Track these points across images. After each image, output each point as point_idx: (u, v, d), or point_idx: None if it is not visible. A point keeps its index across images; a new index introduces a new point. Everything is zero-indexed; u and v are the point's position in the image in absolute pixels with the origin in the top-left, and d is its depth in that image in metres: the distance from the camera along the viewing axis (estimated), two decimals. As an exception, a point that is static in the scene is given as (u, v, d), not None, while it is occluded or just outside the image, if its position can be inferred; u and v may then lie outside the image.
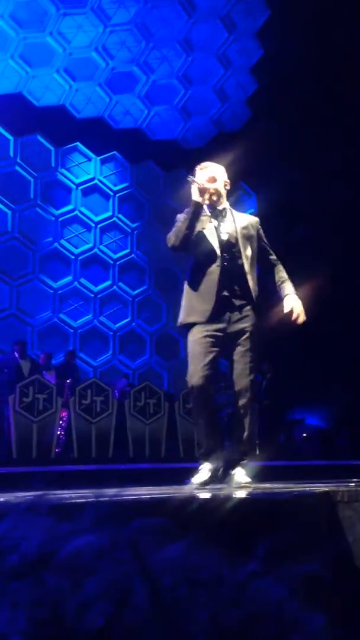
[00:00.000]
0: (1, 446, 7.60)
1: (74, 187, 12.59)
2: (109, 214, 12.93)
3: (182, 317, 3.46)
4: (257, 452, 3.07)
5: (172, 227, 3.50)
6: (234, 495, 2.44)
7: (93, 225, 12.72)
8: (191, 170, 3.66)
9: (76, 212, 12.55)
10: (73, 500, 2.17)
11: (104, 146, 12.72)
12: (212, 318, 3.34)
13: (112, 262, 12.90)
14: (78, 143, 12.70)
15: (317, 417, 11.38)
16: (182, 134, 13.35)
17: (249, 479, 3.30)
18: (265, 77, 12.39)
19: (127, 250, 13.10)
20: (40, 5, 10.66)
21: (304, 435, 10.34)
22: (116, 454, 7.78)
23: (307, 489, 2.64)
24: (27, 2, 10.55)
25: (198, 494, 2.61)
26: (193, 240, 3.42)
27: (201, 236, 3.45)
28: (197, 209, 3.43)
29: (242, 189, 14.76)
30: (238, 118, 13.21)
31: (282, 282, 3.53)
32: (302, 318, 3.41)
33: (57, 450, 7.72)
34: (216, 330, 3.35)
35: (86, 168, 12.83)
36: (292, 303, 3.43)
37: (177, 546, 1.36)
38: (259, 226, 3.60)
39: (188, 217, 3.43)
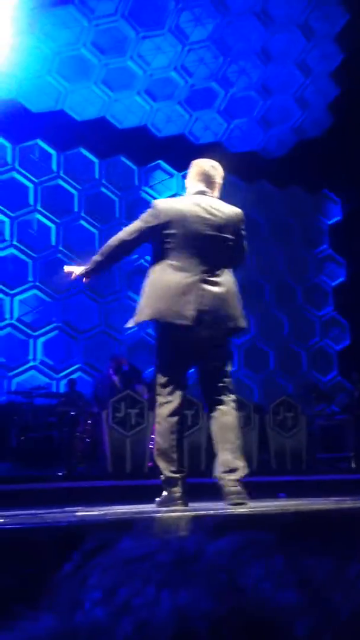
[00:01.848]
0: (97, 461, 7.81)
1: (157, 204, 12.83)
2: (193, 228, 13.05)
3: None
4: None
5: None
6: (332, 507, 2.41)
7: (177, 240, 12.89)
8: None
9: (160, 228, 12.77)
10: (192, 513, 2.24)
11: (185, 162, 12.85)
12: None
13: (197, 276, 12.99)
14: (160, 161, 12.96)
15: None
16: (263, 145, 13.31)
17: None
18: (346, 81, 12.16)
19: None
20: (120, 31, 11.02)
21: None
22: (208, 467, 7.78)
23: None
24: (108, 29, 10.94)
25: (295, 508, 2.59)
26: None
27: None
28: None
29: (326, 196, 14.49)
30: (319, 124, 13.01)
31: None
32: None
33: (149, 464, 7.83)
34: None
35: (168, 185, 13.06)
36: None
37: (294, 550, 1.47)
38: None
39: None
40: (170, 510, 2.96)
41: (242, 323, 3.37)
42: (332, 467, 8.68)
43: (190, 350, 3.32)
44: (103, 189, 12.53)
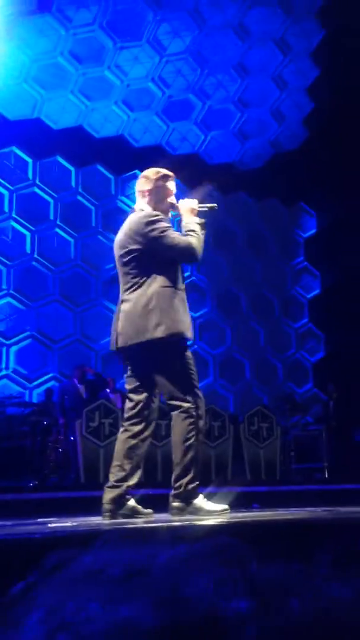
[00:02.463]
0: (69, 471, 7.70)
1: (134, 213, 12.83)
2: (169, 238, 13.06)
3: (177, 326, 3.20)
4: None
5: (175, 233, 3.32)
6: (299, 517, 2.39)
7: (153, 250, 12.90)
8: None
9: (137, 238, 12.77)
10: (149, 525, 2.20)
11: (162, 172, 12.93)
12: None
13: (173, 286, 12.98)
14: (137, 170, 12.96)
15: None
16: (239, 157, 13.41)
17: (223, 506, 3.19)
18: (321, 96, 12.34)
19: (187, 273, 13.17)
20: (97, 41, 11.04)
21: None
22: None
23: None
24: (86, 38, 10.95)
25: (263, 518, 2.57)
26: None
27: None
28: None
29: (302, 209, 14.64)
30: (295, 138, 13.18)
31: None
32: None
33: (123, 474, 7.76)
34: None
35: (145, 194, 13.06)
36: None
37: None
38: None
39: (202, 234, 3.41)
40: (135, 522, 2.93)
41: (147, 336, 3.17)
42: (306, 477, 8.69)
43: (135, 368, 3.34)
44: (79, 198, 12.48)
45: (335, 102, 12.05)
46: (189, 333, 3.26)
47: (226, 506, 3.22)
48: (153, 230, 3.26)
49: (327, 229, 14.03)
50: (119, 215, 13.44)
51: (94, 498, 5.83)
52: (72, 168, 12.45)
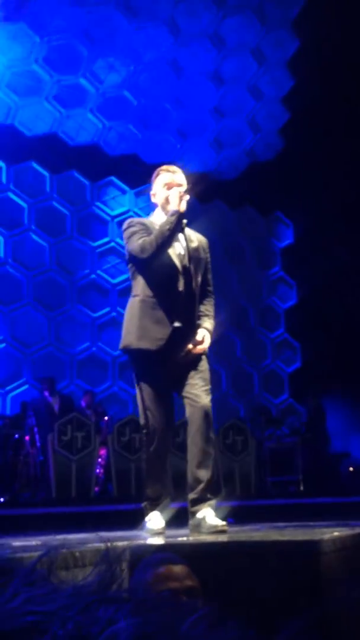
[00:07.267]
0: (41, 486, 7.52)
1: (109, 219, 12.72)
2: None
3: (130, 340, 3.22)
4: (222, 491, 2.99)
5: (136, 235, 3.19)
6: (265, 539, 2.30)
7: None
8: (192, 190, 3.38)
9: (112, 243, 12.64)
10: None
11: (138, 180, 12.82)
12: (165, 347, 3.13)
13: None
14: (112, 177, 12.87)
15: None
16: (215, 166, 13.38)
17: (222, 522, 3.06)
18: (296, 106, 12.38)
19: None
20: (74, 48, 10.94)
21: (350, 469, 9.98)
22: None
23: (350, 529, 2.51)
24: (60, 45, 10.84)
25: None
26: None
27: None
28: (180, 220, 3.19)
29: (278, 219, 14.65)
30: (271, 148, 13.18)
31: (205, 315, 3.37)
32: (198, 350, 3.22)
33: (96, 489, 7.61)
34: (167, 362, 3.17)
35: (121, 201, 12.96)
36: (203, 334, 3.25)
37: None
38: (208, 249, 3.40)
39: (171, 228, 3.14)
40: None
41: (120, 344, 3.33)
42: (282, 490, 8.63)
43: None
44: (54, 203, 12.33)
45: (310, 112, 12.10)
46: (138, 343, 3.18)
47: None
48: (124, 238, 3.30)
49: (302, 239, 14.07)
50: (94, 222, 13.33)
51: (64, 515, 5.70)
52: (46, 174, 12.29)
